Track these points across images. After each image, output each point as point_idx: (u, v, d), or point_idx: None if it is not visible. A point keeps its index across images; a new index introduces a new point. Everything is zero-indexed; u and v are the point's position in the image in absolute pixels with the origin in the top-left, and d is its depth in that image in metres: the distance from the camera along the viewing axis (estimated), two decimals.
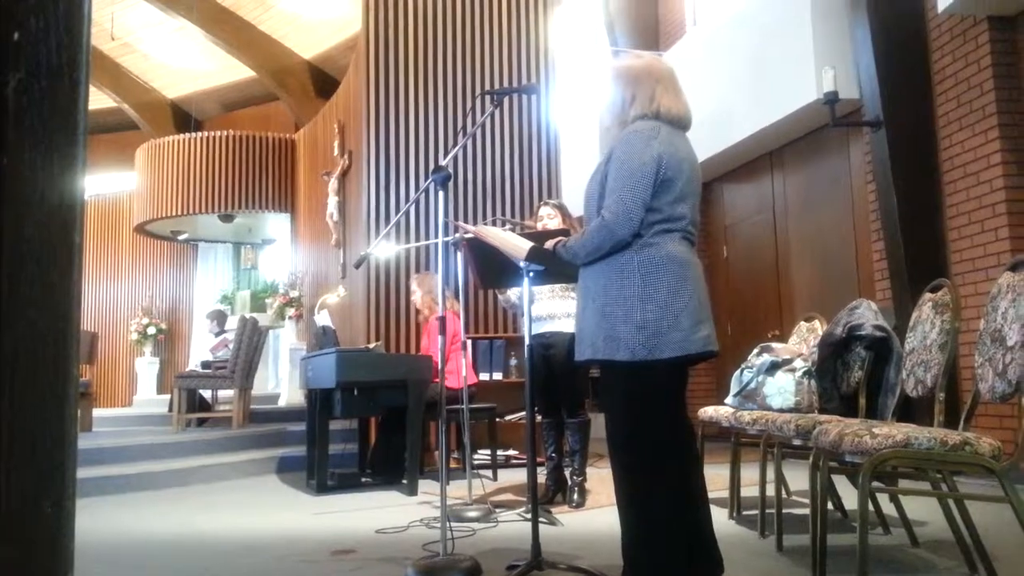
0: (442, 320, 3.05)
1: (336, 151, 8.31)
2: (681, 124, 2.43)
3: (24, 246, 0.44)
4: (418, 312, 5.70)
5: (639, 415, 2.30)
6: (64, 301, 0.47)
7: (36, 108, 0.45)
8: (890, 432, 2.27)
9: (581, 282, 2.45)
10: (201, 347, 9.94)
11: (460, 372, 4.80)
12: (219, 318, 8.81)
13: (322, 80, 11.75)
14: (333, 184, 8.27)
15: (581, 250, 2.37)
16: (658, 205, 2.28)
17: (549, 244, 2.57)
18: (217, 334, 8.53)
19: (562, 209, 4.32)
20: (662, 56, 8.21)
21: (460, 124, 6.62)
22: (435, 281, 3.48)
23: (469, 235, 3.30)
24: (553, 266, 2.78)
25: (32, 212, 0.44)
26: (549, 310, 4.24)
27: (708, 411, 3.93)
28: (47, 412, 0.47)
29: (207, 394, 7.96)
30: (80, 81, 0.47)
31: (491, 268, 3.22)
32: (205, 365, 7.88)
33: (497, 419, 5.63)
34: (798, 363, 3.54)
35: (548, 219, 4.24)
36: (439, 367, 3.11)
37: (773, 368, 3.54)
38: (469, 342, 5.50)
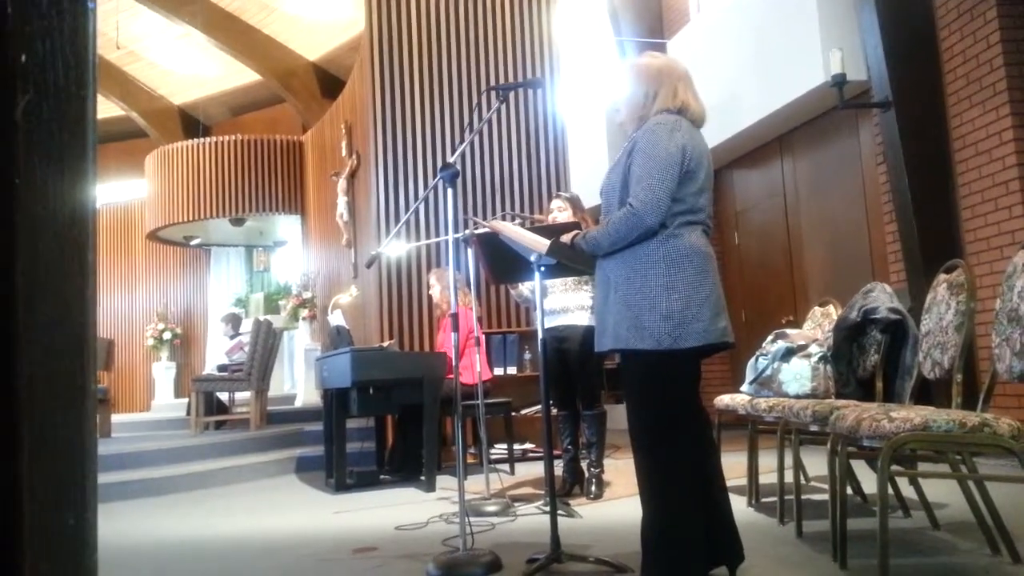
0: (455, 316, 3.06)
1: (344, 151, 8.32)
2: (699, 123, 2.49)
3: (39, 266, 0.44)
4: (436, 307, 5.71)
5: (662, 403, 2.34)
6: (80, 318, 0.47)
7: (46, 128, 0.45)
8: (908, 415, 2.26)
9: (601, 274, 2.47)
10: (217, 351, 10.00)
11: (475, 368, 4.81)
12: (234, 321, 8.86)
13: (327, 81, 11.77)
14: (342, 184, 8.29)
15: (605, 240, 2.37)
16: (682, 196, 2.33)
17: (566, 238, 2.57)
18: (232, 337, 8.58)
19: (573, 202, 4.31)
20: (666, 44, 8.17)
21: (466, 120, 6.62)
22: (451, 275, 3.49)
23: (480, 231, 3.31)
24: (574, 260, 2.79)
25: (46, 231, 0.45)
26: (563, 303, 4.24)
27: (724, 399, 3.93)
28: (66, 428, 0.48)
29: (224, 397, 8.02)
30: (88, 100, 0.47)
31: (502, 263, 3.22)
32: (221, 368, 7.93)
33: (513, 413, 5.64)
34: (813, 348, 3.53)
35: (558, 212, 4.24)
36: (453, 363, 3.12)
37: (788, 354, 3.53)
38: (483, 337, 5.51)
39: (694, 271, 2.29)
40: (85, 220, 0.47)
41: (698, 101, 2.50)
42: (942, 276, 2.88)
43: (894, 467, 2.61)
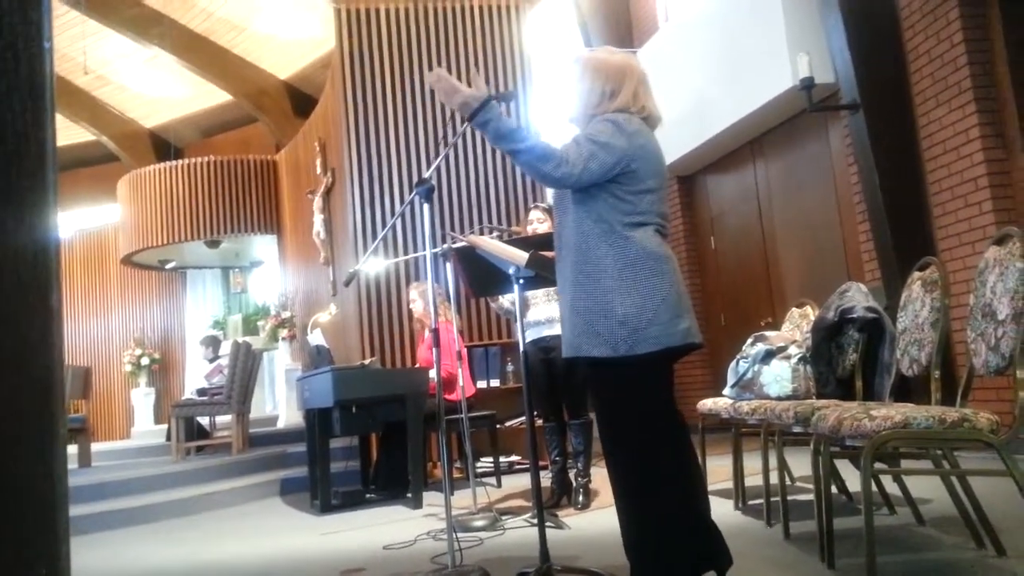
0: (435, 332, 3.05)
1: (319, 169, 8.30)
2: (654, 124, 2.45)
3: (0, 310, 0.44)
4: (417, 321, 5.68)
5: (626, 411, 2.29)
6: (45, 363, 0.46)
7: (3, 172, 0.44)
8: (888, 413, 2.28)
9: (560, 279, 2.42)
10: (196, 374, 9.88)
11: (458, 383, 4.79)
12: (213, 344, 8.78)
13: (300, 99, 11.73)
14: (318, 202, 8.25)
15: (517, 144, 2.27)
16: (626, 196, 2.27)
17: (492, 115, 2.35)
18: (211, 360, 8.50)
19: (551, 212, 4.31)
20: (635, 53, 8.23)
21: (440, 135, 6.62)
22: (433, 290, 3.48)
23: (458, 245, 3.30)
24: (550, 273, 2.78)
25: (7, 276, 0.44)
26: (547, 314, 4.24)
27: (707, 403, 3.94)
28: (34, 476, 0.46)
29: (204, 421, 7.92)
30: (47, 141, 0.46)
31: (481, 277, 3.23)
32: (200, 392, 7.85)
33: (497, 426, 5.62)
34: (792, 350, 3.55)
35: (538, 223, 4.25)
36: (436, 380, 3.11)
37: (768, 357, 3.55)
38: (465, 351, 5.49)
39: (647, 273, 2.22)
40: (48, 262, 0.46)
41: (654, 102, 2.44)
42: (916, 274, 2.92)
43: (877, 465, 2.62)
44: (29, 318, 0.45)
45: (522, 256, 2.76)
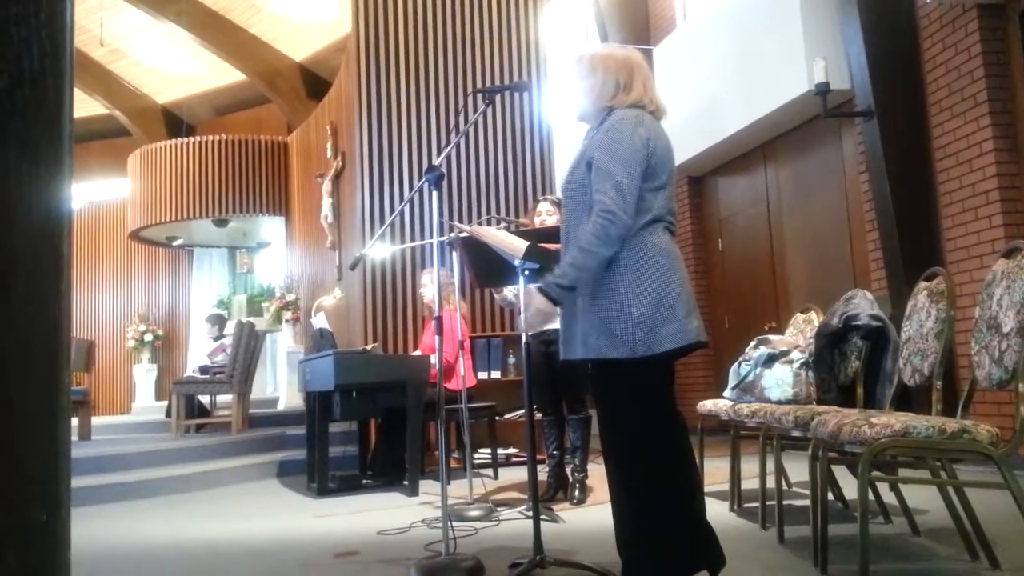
0: (439, 320, 3.05)
1: (329, 153, 8.29)
2: (661, 116, 2.44)
3: (11, 257, 0.43)
4: (425, 307, 5.67)
5: (636, 410, 2.29)
6: (54, 311, 0.46)
7: (20, 116, 0.44)
8: (888, 421, 2.27)
9: None
10: (199, 352, 9.91)
11: (459, 373, 4.80)
12: (219, 322, 8.78)
13: (313, 82, 11.73)
14: (327, 186, 8.25)
15: (589, 258, 2.22)
16: (643, 194, 2.27)
17: (549, 278, 2.34)
18: (216, 338, 8.51)
19: (560, 206, 4.30)
20: (651, 51, 8.21)
21: (452, 123, 6.61)
22: (444, 278, 3.47)
23: (465, 234, 3.30)
24: (549, 264, 2.78)
25: (19, 221, 0.44)
26: (550, 308, 4.23)
27: (707, 404, 3.94)
28: (39, 423, 0.46)
29: (205, 400, 7.94)
30: (64, 88, 0.46)
31: (487, 267, 3.22)
32: (203, 370, 7.87)
33: (497, 418, 5.63)
34: (795, 355, 3.55)
35: (547, 215, 4.24)
36: (437, 368, 3.11)
37: (770, 360, 3.55)
38: (468, 342, 5.50)
39: (660, 271, 2.22)
40: (60, 211, 0.46)
41: (660, 97, 2.45)
42: (922, 284, 2.91)
43: (874, 472, 2.62)
44: (41, 266, 0.45)
45: (520, 247, 2.75)
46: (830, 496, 3.26)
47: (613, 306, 2.22)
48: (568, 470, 4.33)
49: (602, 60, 2.44)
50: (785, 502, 3.22)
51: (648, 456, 2.28)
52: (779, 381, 3.49)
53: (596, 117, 2.43)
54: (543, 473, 4.44)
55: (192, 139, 10.67)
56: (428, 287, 5.38)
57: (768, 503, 3.28)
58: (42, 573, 0.44)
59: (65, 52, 0.46)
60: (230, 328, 8.25)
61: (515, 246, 2.78)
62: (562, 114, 8.45)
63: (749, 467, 3.78)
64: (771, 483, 3.21)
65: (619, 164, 2.24)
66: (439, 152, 6.47)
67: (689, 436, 2.39)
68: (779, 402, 3.42)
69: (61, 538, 0.46)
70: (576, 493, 4.18)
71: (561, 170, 7.03)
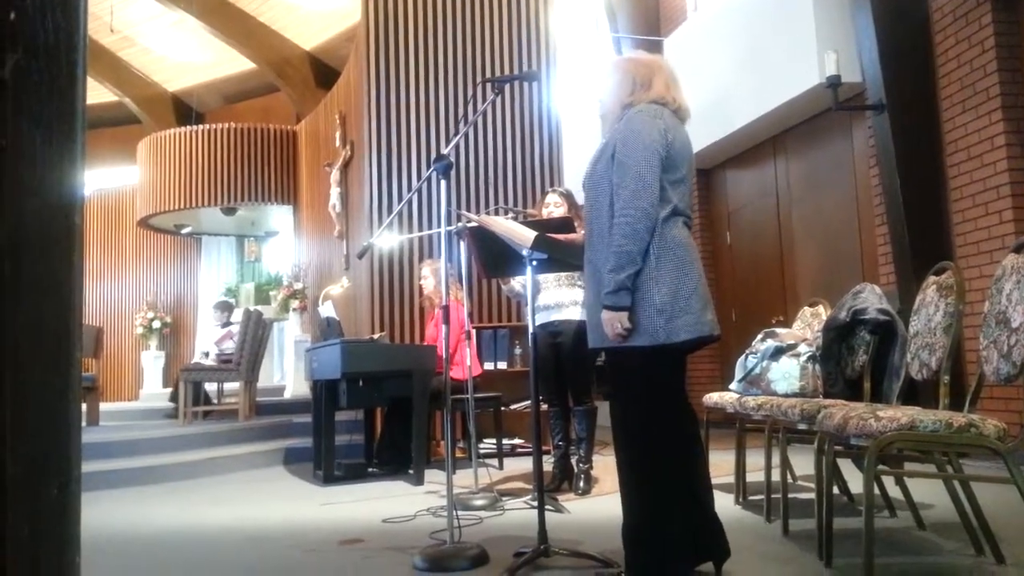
0: (445, 309, 3.06)
1: (338, 142, 8.30)
2: (684, 117, 2.48)
3: (26, 229, 0.44)
4: (427, 299, 5.68)
5: (650, 399, 2.32)
6: (66, 284, 0.46)
7: (34, 89, 0.44)
8: (895, 415, 2.27)
9: (589, 268, 2.45)
10: (206, 340, 9.95)
11: (465, 362, 4.80)
12: (227, 309, 8.81)
13: (322, 71, 11.73)
14: (335, 175, 8.26)
15: (623, 258, 2.24)
16: (664, 185, 2.32)
17: (604, 298, 2.32)
18: (223, 325, 8.54)
19: (569, 197, 4.30)
20: (662, 42, 8.17)
21: (461, 112, 6.60)
22: (445, 269, 3.47)
23: (472, 224, 3.30)
24: (562, 254, 2.78)
25: (33, 195, 0.44)
26: (556, 299, 4.23)
27: (713, 397, 3.93)
28: (51, 396, 0.47)
29: (212, 388, 7.97)
30: (78, 62, 0.46)
31: (494, 257, 3.22)
32: (204, 355, 7.90)
33: (502, 408, 5.64)
34: (802, 348, 3.54)
35: (555, 207, 4.23)
36: (443, 357, 3.12)
37: (777, 353, 3.54)
38: (473, 331, 5.51)
39: (678, 263, 2.28)
40: (73, 184, 0.46)
41: (684, 97, 2.50)
42: (931, 278, 2.89)
43: (880, 466, 2.62)
44: (54, 238, 0.45)
45: (528, 236, 2.75)
46: (835, 490, 3.26)
47: (637, 295, 2.27)
48: (573, 461, 4.34)
49: (624, 62, 2.56)
50: (790, 495, 3.22)
51: (658, 447, 2.30)
52: (786, 374, 3.48)
53: (615, 114, 2.48)
54: (548, 464, 4.44)
55: (201, 127, 10.69)
56: (428, 279, 5.39)
57: (773, 496, 3.28)
58: (55, 546, 0.45)
59: (79, 25, 0.46)
60: (237, 316, 8.29)
61: (523, 236, 2.78)
62: (571, 104, 8.42)
63: (754, 460, 3.78)
64: (776, 476, 3.20)
65: (638, 154, 2.29)
66: (447, 141, 6.46)
67: (699, 429, 2.41)
68: (785, 395, 3.42)
69: (71, 510, 0.47)
70: (581, 484, 4.19)
71: (570, 161, 7.03)
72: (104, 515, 4.07)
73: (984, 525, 2.53)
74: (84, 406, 7.42)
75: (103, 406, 8.04)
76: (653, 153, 2.28)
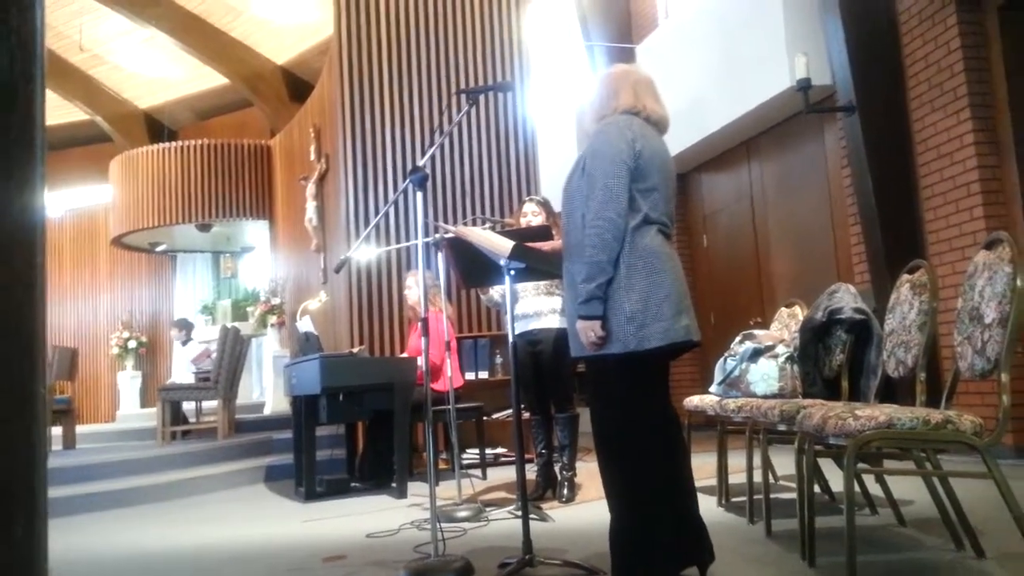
0: (424, 322, 3.05)
1: (313, 155, 8.26)
2: (660, 126, 2.52)
3: None
4: (409, 309, 5.66)
5: (631, 406, 2.33)
6: (28, 320, 0.45)
7: None
8: (873, 413, 2.29)
9: (566, 279, 2.47)
10: (179, 360, 9.85)
11: (446, 374, 4.79)
12: (185, 327, 8.74)
13: (296, 85, 11.68)
14: (311, 189, 8.22)
15: (593, 268, 2.28)
16: (634, 194, 2.34)
17: (579, 308, 2.35)
18: (184, 343, 8.46)
19: (546, 206, 4.31)
20: (634, 49, 8.23)
21: (436, 124, 6.60)
22: (428, 280, 3.46)
23: (450, 235, 3.29)
24: (539, 263, 2.79)
25: None
26: (535, 307, 4.24)
27: (693, 400, 3.95)
28: (14, 435, 0.46)
29: (190, 407, 7.87)
30: (36, 95, 0.45)
31: (473, 267, 3.21)
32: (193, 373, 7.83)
33: (484, 418, 5.63)
34: (780, 349, 3.56)
35: (532, 216, 4.24)
36: (424, 370, 3.11)
37: (756, 355, 3.57)
38: (455, 342, 5.49)
39: (649, 271, 2.29)
40: (33, 220, 0.45)
41: (659, 104, 2.53)
42: (905, 276, 2.93)
43: (860, 465, 2.64)
44: (14, 278, 0.44)
45: (506, 246, 2.76)
46: (816, 489, 3.28)
47: (609, 304, 2.29)
48: (556, 469, 4.33)
49: (603, 78, 2.61)
50: (772, 496, 3.23)
51: (639, 452, 2.31)
52: (764, 376, 3.51)
53: (593, 127, 2.53)
54: (531, 472, 4.44)
55: (174, 144, 10.61)
56: (413, 289, 5.37)
57: (755, 497, 3.30)
58: None
59: (36, 58, 0.45)
60: (199, 333, 8.21)
61: (501, 246, 2.78)
62: (546, 113, 8.45)
63: (736, 462, 3.79)
64: (758, 477, 3.22)
65: (605, 166, 2.32)
66: (423, 153, 6.45)
67: (682, 433, 2.42)
68: (765, 396, 3.44)
69: (38, 552, 0.45)
70: (565, 492, 4.19)
71: (545, 169, 7.05)
72: (83, 539, 4.01)
73: (964, 520, 2.56)
74: (60, 429, 7.31)
75: (79, 428, 7.93)
76: (620, 164, 2.31)
